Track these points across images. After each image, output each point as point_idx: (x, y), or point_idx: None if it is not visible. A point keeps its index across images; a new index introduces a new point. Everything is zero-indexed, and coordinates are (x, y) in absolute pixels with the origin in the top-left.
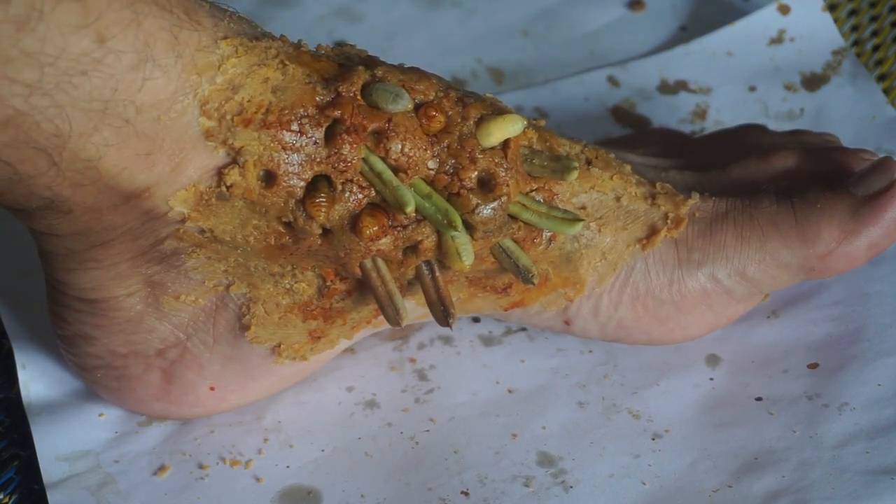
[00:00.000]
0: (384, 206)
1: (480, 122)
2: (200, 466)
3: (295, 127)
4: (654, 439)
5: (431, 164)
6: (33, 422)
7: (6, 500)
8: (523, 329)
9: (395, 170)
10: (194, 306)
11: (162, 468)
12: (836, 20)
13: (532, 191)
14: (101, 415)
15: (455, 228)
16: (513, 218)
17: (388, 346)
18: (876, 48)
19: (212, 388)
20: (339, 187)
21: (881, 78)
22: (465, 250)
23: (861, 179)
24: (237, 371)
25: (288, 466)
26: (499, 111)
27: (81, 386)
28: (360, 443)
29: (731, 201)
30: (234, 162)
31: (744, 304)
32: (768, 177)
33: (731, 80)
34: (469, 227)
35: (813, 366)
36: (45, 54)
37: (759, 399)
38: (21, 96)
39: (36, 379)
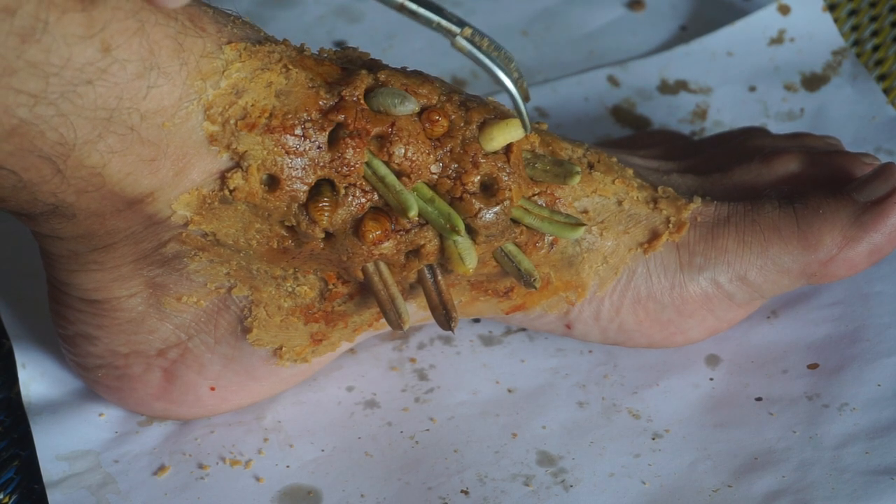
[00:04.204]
0: (387, 210)
1: (483, 126)
2: (200, 466)
3: (298, 131)
4: (654, 439)
5: (434, 168)
6: (33, 422)
7: (6, 500)
8: (523, 329)
9: (399, 174)
10: (196, 308)
11: (162, 468)
12: (836, 20)
13: (534, 195)
14: (101, 415)
15: (458, 233)
16: (515, 222)
17: (389, 345)
18: (876, 48)
19: (212, 389)
20: (343, 191)
21: (881, 78)
22: (468, 254)
23: (863, 185)
24: (238, 372)
25: (288, 466)
26: (501, 115)
27: (81, 386)
28: (360, 442)
29: (733, 206)
30: (238, 166)
31: (745, 309)
32: (770, 181)
33: (731, 80)
34: (471, 232)
35: (813, 366)
36: (49, 65)
37: (759, 399)
38: (26, 106)
39: (36, 379)
